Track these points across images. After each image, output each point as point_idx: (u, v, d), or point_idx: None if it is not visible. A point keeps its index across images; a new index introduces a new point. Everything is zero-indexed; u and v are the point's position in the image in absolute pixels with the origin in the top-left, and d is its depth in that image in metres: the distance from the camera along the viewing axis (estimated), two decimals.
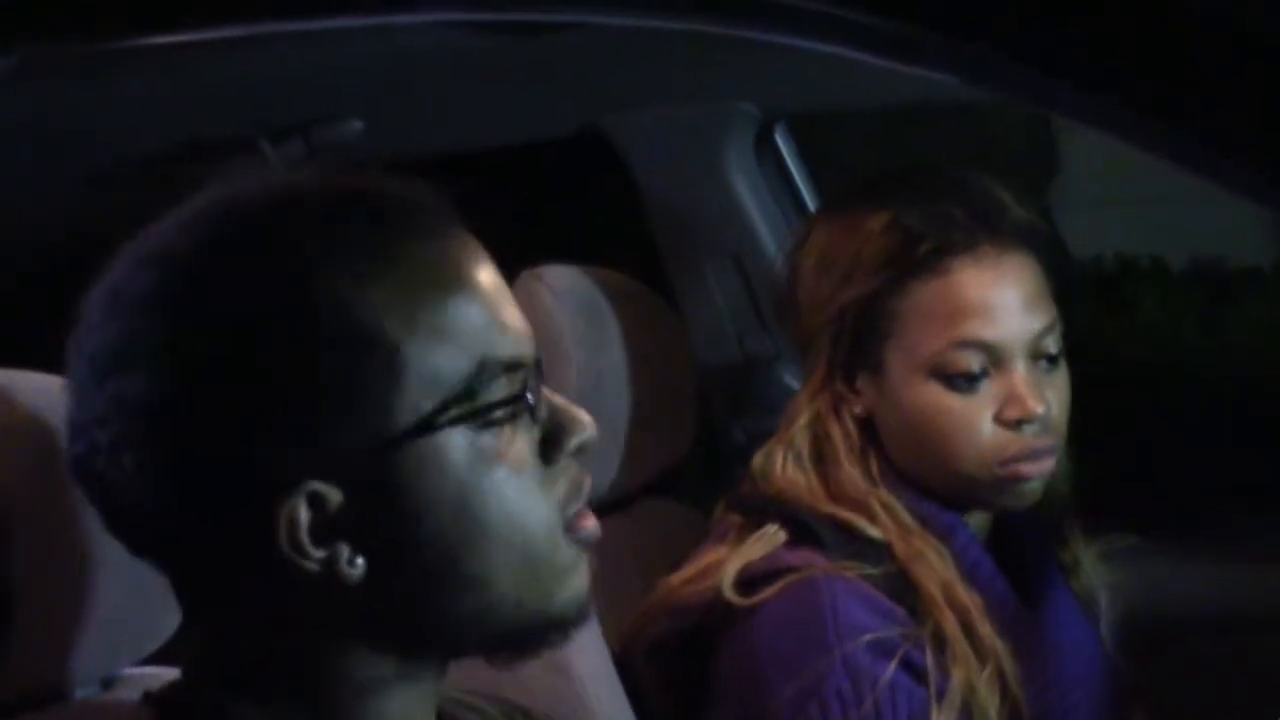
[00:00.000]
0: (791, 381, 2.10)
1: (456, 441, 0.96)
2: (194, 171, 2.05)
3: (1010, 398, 1.53)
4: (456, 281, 0.97)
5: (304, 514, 0.93)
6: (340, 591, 0.95)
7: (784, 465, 1.57)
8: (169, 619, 1.18)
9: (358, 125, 2.06)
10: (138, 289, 0.96)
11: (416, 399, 0.94)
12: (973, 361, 1.52)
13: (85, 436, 0.96)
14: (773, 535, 1.54)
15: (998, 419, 1.53)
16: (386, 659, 0.99)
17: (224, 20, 1.08)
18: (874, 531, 1.52)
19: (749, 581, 1.51)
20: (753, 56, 1.88)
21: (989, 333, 1.52)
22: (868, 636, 1.45)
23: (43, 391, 1.13)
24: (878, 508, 1.54)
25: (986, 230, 1.54)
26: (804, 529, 1.53)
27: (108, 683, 1.19)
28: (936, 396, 1.53)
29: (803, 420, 1.58)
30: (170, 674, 1.21)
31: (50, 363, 1.19)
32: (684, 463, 1.91)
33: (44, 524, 1.10)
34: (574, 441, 1.01)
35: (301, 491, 0.93)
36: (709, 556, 1.56)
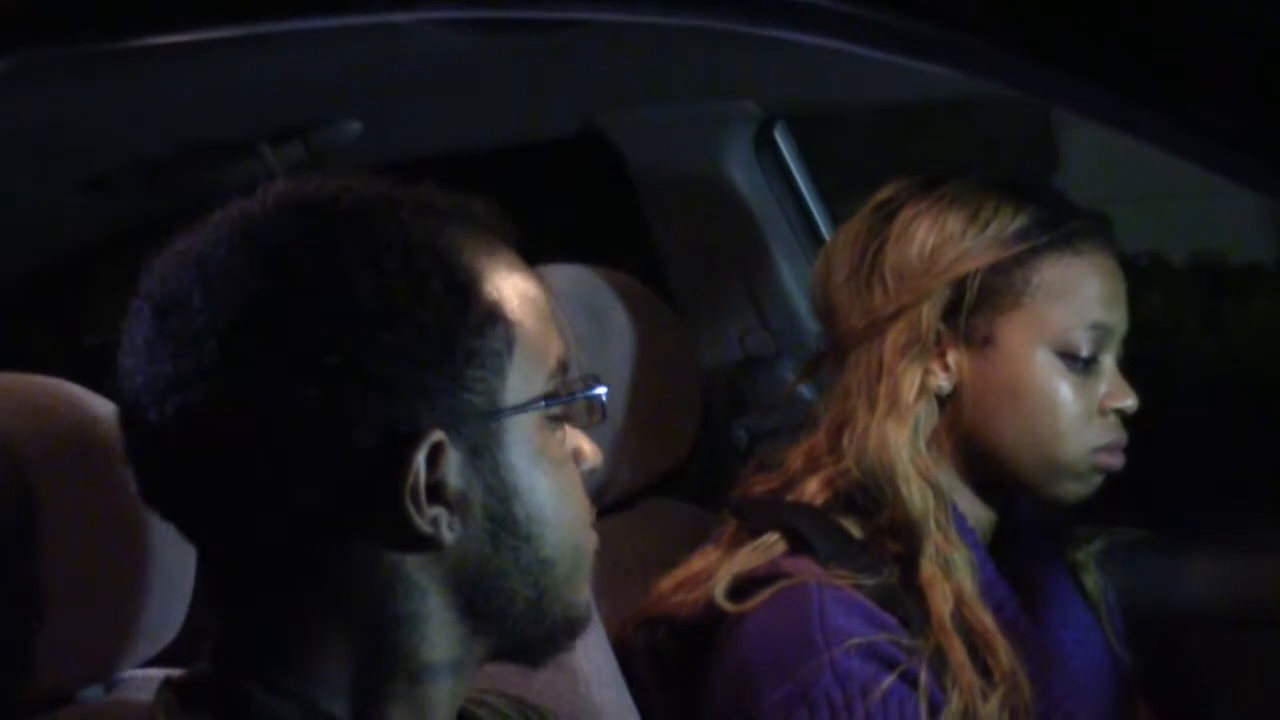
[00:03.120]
0: (792, 379, 2.10)
1: (543, 427, 1.02)
2: (193, 174, 2.07)
3: (1113, 386, 1.55)
4: (530, 289, 1.04)
5: (424, 469, 0.96)
6: (427, 561, 0.99)
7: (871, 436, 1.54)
8: (173, 620, 1.18)
9: (356, 127, 2.06)
10: (265, 252, 0.97)
11: (521, 378, 1.01)
12: (1093, 344, 1.54)
13: (181, 394, 0.95)
14: (771, 545, 1.53)
15: (1098, 405, 1.55)
16: (448, 642, 1.01)
17: (222, 21, 1.08)
18: (911, 507, 1.51)
19: (741, 588, 1.51)
20: (752, 54, 1.87)
21: (1110, 318, 1.55)
22: (855, 640, 1.45)
23: (32, 394, 1.13)
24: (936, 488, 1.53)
25: (1100, 223, 1.57)
26: (802, 540, 1.52)
27: (112, 685, 1.19)
28: (1055, 373, 1.54)
29: (903, 391, 1.54)
30: (175, 674, 1.21)
31: (46, 361, 1.19)
32: (686, 462, 1.91)
33: (40, 527, 1.09)
34: (586, 466, 1.08)
35: (428, 442, 0.96)
36: (699, 562, 1.56)
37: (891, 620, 1.49)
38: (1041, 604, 1.64)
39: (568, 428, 1.06)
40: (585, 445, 1.08)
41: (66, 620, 1.11)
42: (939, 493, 1.53)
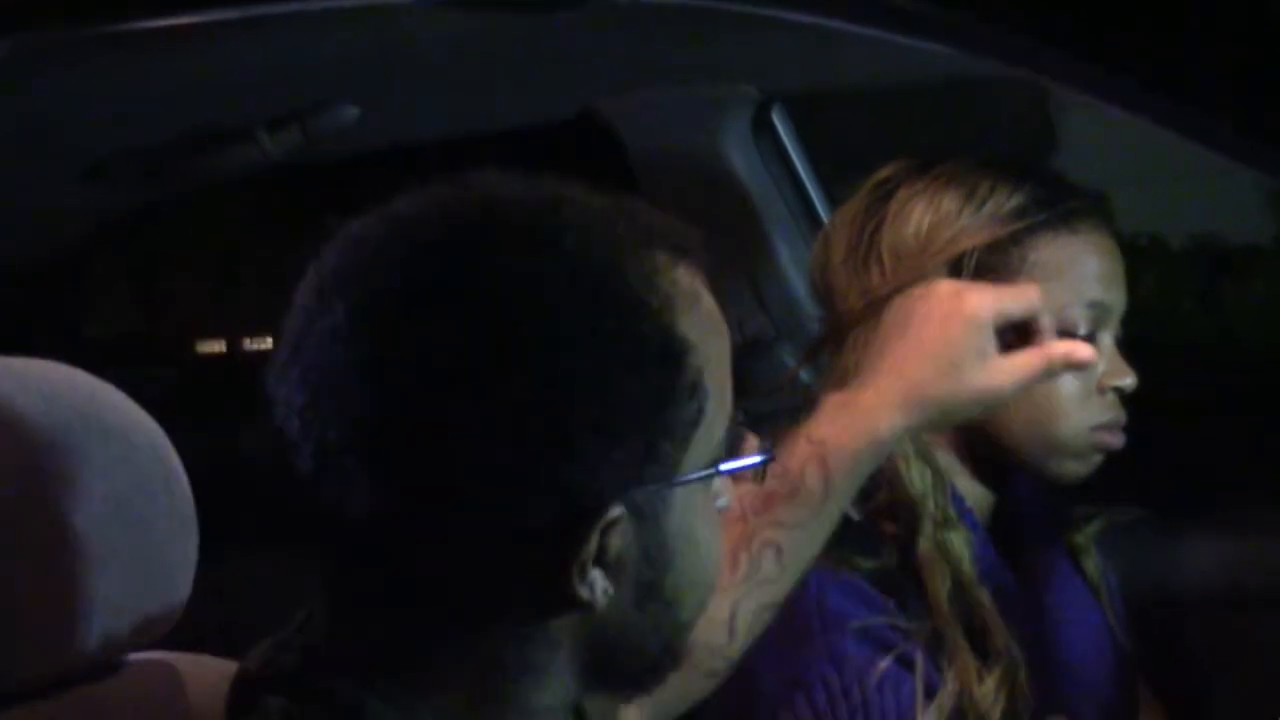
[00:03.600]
0: (792, 363, 2.09)
1: (707, 490, 0.99)
2: (190, 162, 2.06)
3: (1111, 364, 1.55)
4: (723, 328, 1.01)
5: (596, 539, 0.93)
6: (571, 620, 0.96)
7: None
8: (175, 604, 1.18)
9: (354, 112, 2.05)
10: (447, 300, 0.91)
11: (703, 443, 0.96)
12: (1090, 321, 1.54)
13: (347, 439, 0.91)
14: None
15: (1096, 384, 1.55)
16: (565, 689, 0.99)
17: (219, 3, 1.08)
18: (914, 488, 1.51)
19: None
20: (749, 37, 1.87)
21: (1108, 297, 1.55)
22: (852, 624, 1.45)
23: (43, 379, 1.13)
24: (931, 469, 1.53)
25: (1097, 202, 1.57)
26: None
27: (115, 668, 1.19)
28: None
29: None
30: (180, 659, 1.21)
31: (45, 351, 1.19)
32: None
33: (44, 510, 1.09)
34: (721, 503, 1.04)
35: (607, 517, 0.92)
36: None
37: (889, 603, 1.49)
38: (1041, 586, 1.64)
39: None
40: (721, 484, 1.04)
41: (68, 603, 1.11)
42: (937, 473, 1.53)
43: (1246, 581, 1.95)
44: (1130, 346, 1.60)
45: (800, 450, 1.37)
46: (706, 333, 0.97)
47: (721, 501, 1.03)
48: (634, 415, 0.92)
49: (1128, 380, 1.56)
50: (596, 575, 0.94)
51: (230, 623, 1.46)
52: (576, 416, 0.90)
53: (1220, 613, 1.94)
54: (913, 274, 1.54)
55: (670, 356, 0.93)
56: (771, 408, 1.91)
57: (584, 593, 0.94)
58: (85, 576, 1.12)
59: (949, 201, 1.56)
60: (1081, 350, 1.45)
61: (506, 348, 0.90)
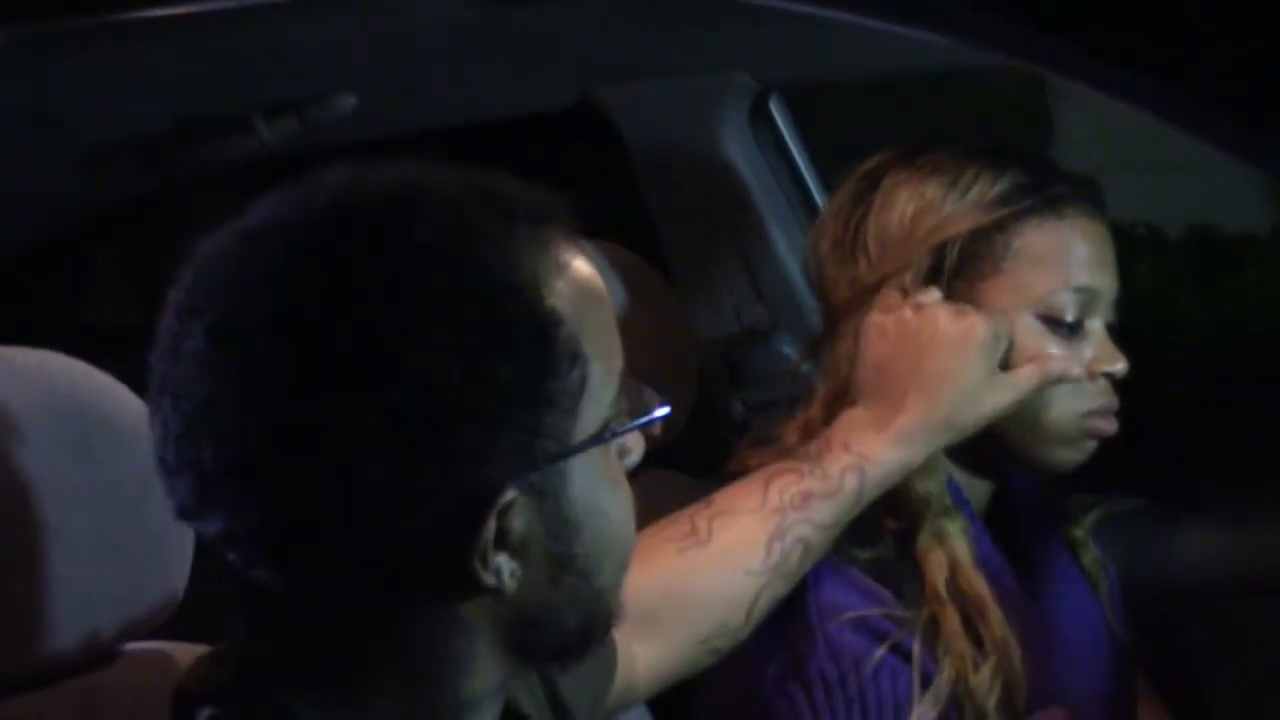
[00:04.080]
0: (789, 352, 2.10)
1: (606, 453, 0.99)
2: (188, 150, 2.06)
3: (1100, 350, 1.54)
4: (599, 290, 0.99)
5: (493, 524, 0.93)
6: (485, 604, 0.95)
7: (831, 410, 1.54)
8: (173, 594, 1.19)
9: (351, 100, 2.05)
10: (328, 298, 0.90)
11: (591, 408, 0.96)
12: (1078, 307, 1.53)
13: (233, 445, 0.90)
14: None
15: (1088, 370, 1.54)
16: (496, 673, 0.99)
17: None
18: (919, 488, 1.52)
19: None
20: (747, 26, 1.87)
21: (1096, 282, 1.54)
22: (849, 615, 1.45)
23: (37, 369, 1.13)
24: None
25: (1087, 188, 1.56)
26: None
27: (111, 659, 1.19)
28: (1040, 338, 1.53)
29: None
30: (177, 649, 1.21)
31: (43, 341, 1.19)
32: (682, 434, 1.91)
33: (41, 500, 1.09)
34: (631, 460, 1.05)
35: (502, 501, 0.92)
36: None
37: (887, 594, 1.49)
38: (1039, 579, 1.64)
39: None
40: (629, 439, 1.04)
41: (65, 593, 1.11)
42: (935, 464, 1.53)
43: (1245, 571, 1.95)
44: (1127, 335, 1.60)
45: (842, 459, 1.46)
46: (580, 299, 0.96)
47: (631, 459, 1.04)
48: (513, 397, 0.91)
49: (1119, 365, 1.56)
50: (501, 559, 0.94)
51: (224, 613, 1.47)
52: (452, 409, 0.89)
53: (1219, 603, 1.94)
54: (897, 263, 1.54)
55: (540, 332, 0.92)
56: (769, 397, 1.92)
57: (490, 579, 0.93)
58: (82, 566, 1.12)
59: (933, 189, 1.55)
60: (1074, 369, 1.51)
61: (370, 352, 0.89)
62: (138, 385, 1.20)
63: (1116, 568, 1.76)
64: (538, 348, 0.92)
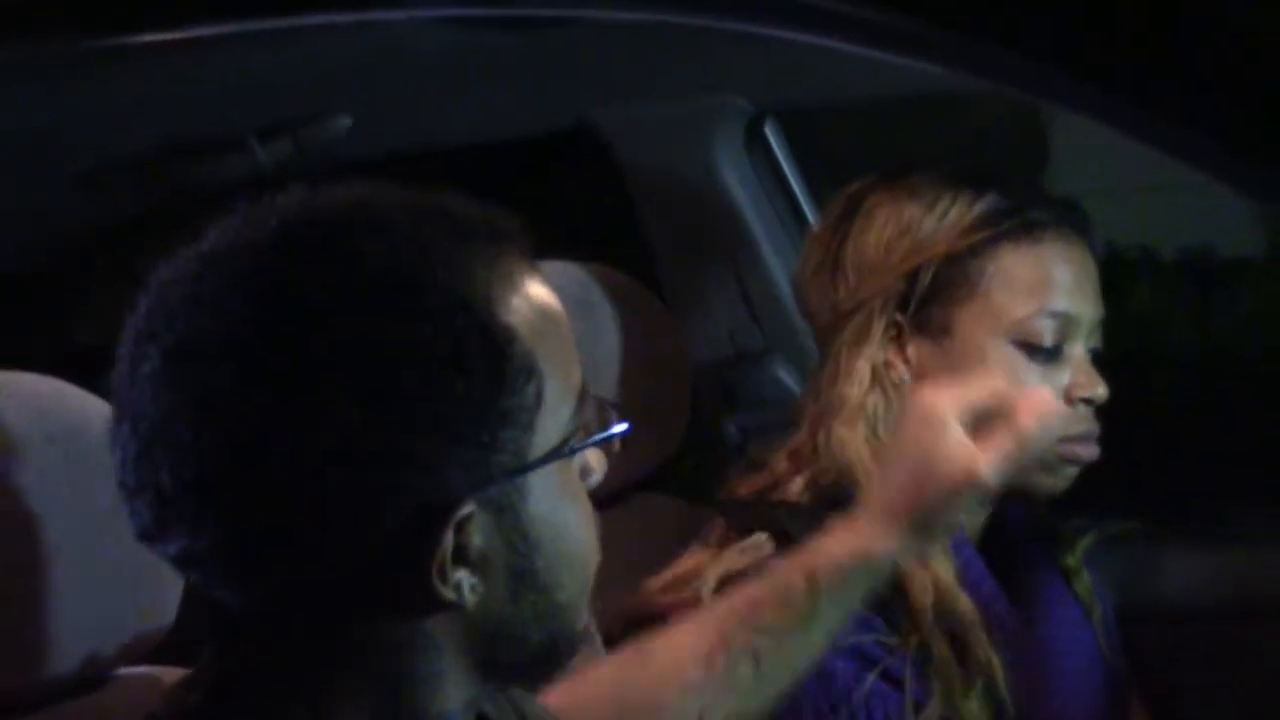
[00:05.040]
0: (783, 376, 2.10)
1: (563, 464, 0.98)
2: (182, 170, 2.06)
3: (1079, 376, 1.53)
4: (555, 309, 1.00)
5: (450, 538, 0.93)
6: (447, 619, 0.96)
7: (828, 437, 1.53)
8: (161, 621, 1.18)
9: (346, 122, 2.06)
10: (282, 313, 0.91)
11: (549, 423, 0.96)
12: (1055, 333, 1.53)
13: (189, 462, 0.91)
14: (759, 546, 1.53)
15: (1064, 396, 1.53)
16: (461, 691, 0.99)
17: (213, 17, 1.08)
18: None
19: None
20: (742, 50, 1.87)
21: (1074, 307, 1.53)
22: (839, 642, 1.44)
23: (29, 392, 1.13)
24: None
25: (1068, 212, 1.55)
26: (789, 540, 1.52)
27: (102, 683, 1.19)
28: (1014, 363, 1.53)
29: (850, 388, 1.53)
30: (169, 673, 1.21)
31: (37, 359, 1.19)
32: (676, 457, 1.91)
33: (32, 524, 1.09)
34: (593, 480, 1.05)
35: (458, 515, 0.93)
36: (688, 562, 1.56)
37: (877, 620, 1.48)
38: (1033, 606, 1.64)
39: None
40: (591, 459, 1.04)
41: (59, 618, 1.11)
42: None
43: (1238, 594, 1.95)
44: (1121, 358, 1.60)
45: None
46: (535, 316, 0.96)
47: (593, 479, 1.04)
48: (467, 413, 0.92)
49: (1098, 391, 1.55)
50: (462, 575, 0.94)
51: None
52: (407, 426, 0.90)
53: (1212, 626, 1.94)
54: (875, 287, 1.54)
55: (494, 349, 0.93)
56: (763, 420, 1.92)
57: (449, 594, 0.94)
58: (75, 591, 1.11)
59: (909, 213, 1.55)
60: (1049, 413, 1.34)
61: (323, 373, 0.90)
62: None
63: (1111, 590, 1.75)
64: (492, 364, 0.93)
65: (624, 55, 1.95)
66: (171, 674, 1.22)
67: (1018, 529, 1.66)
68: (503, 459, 0.94)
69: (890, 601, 1.49)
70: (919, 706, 1.45)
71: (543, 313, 0.98)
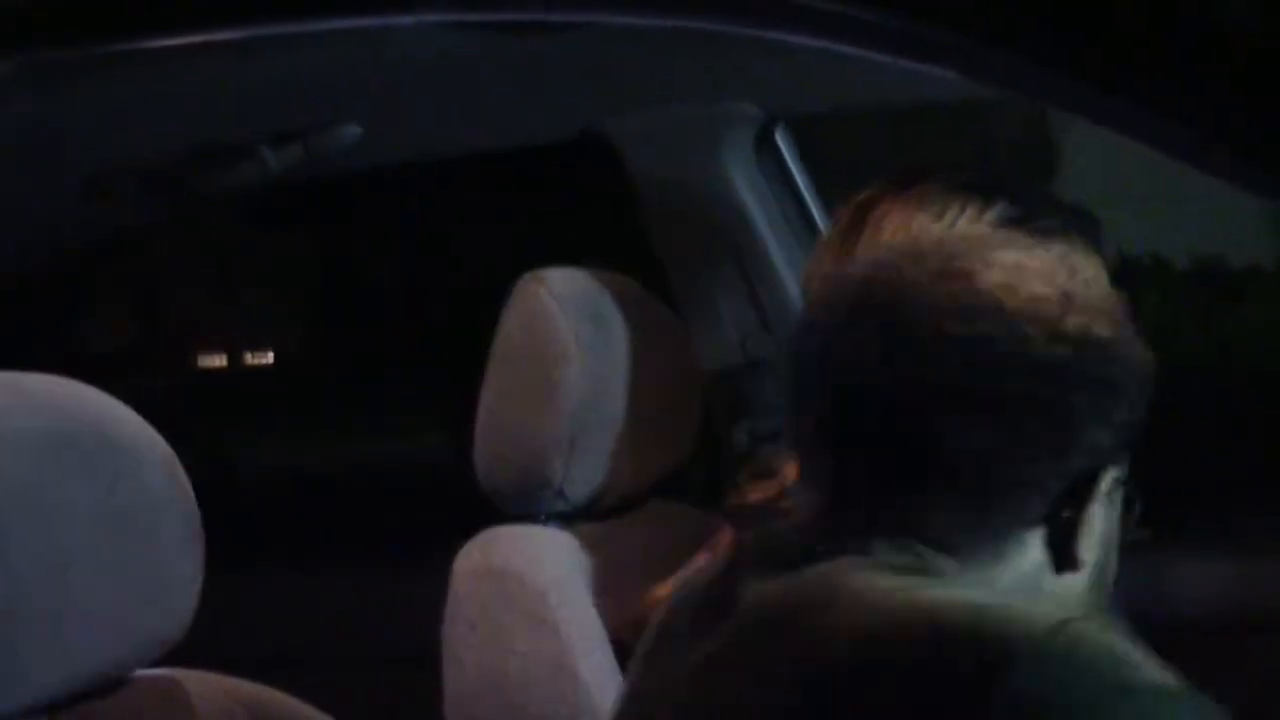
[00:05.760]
0: None
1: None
2: (193, 178, 2.07)
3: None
4: None
5: (1102, 506, 1.13)
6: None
7: None
8: (181, 620, 1.18)
9: (356, 130, 2.06)
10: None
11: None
12: None
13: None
14: None
15: None
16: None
17: (222, 23, 1.08)
18: None
19: None
20: (752, 57, 1.87)
21: None
22: None
23: (46, 394, 1.13)
24: None
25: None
26: None
27: (120, 685, 1.19)
28: None
29: None
30: (186, 675, 1.21)
31: (46, 365, 1.19)
32: (688, 464, 1.91)
33: (49, 525, 1.09)
34: None
35: (1108, 477, 1.13)
36: (696, 569, 1.56)
37: None
38: None
39: None
40: None
41: (74, 619, 1.11)
42: None
43: (1247, 603, 1.94)
44: None
45: None
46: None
47: None
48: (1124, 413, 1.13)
49: None
50: (1095, 545, 1.15)
51: (227, 637, 1.46)
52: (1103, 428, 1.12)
53: (1220, 635, 1.94)
54: None
55: (1134, 358, 1.14)
56: (774, 427, 1.91)
57: (1085, 554, 1.15)
58: (91, 592, 1.11)
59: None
60: None
61: (1071, 397, 1.11)
62: (139, 408, 1.20)
63: (1117, 602, 1.75)
64: (1140, 371, 1.15)
65: (634, 62, 1.95)
66: (188, 676, 1.22)
67: None
68: (1122, 434, 1.14)
69: None
70: None
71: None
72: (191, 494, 1.19)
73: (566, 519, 1.71)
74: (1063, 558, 1.14)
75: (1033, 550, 1.13)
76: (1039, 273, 1.11)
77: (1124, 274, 1.60)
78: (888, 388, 1.09)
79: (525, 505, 1.70)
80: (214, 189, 2.09)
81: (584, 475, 1.70)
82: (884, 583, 1.05)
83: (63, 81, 1.73)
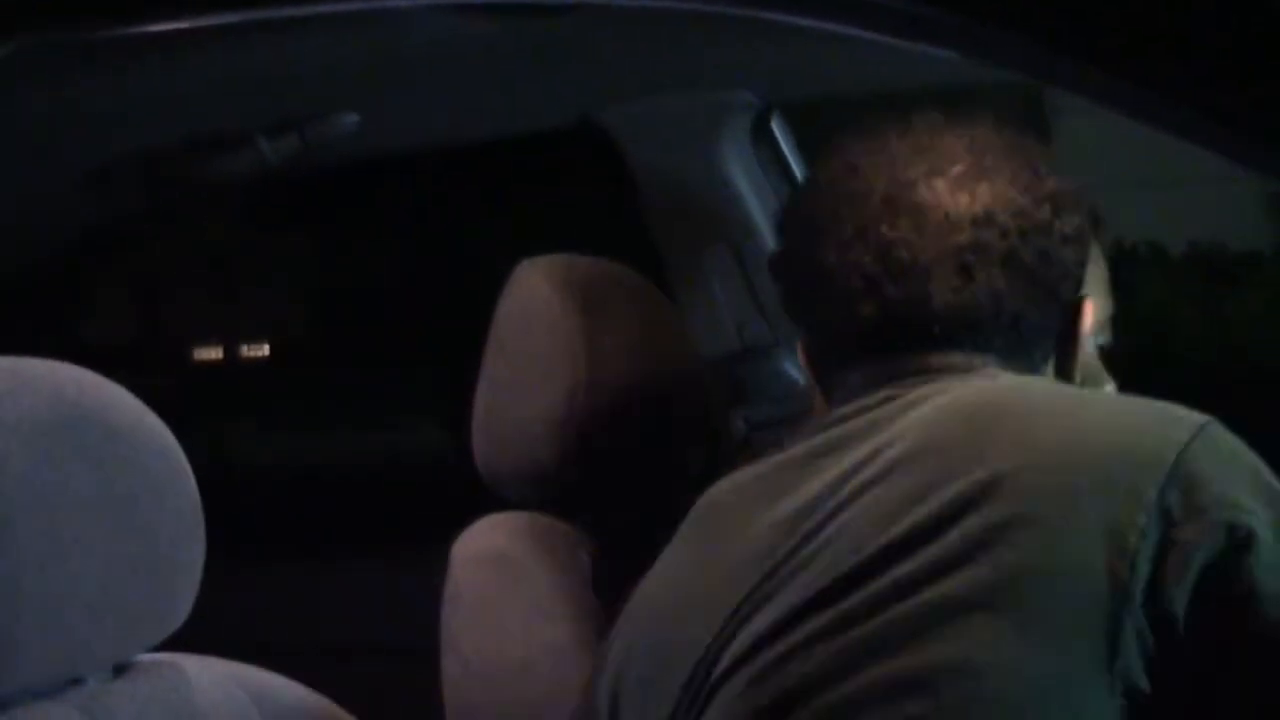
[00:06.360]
0: (791, 369, 2.09)
1: None
2: (189, 166, 2.06)
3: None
4: None
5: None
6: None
7: None
8: (182, 605, 1.18)
9: (353, 119, 2.06)
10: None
11: None
12: None
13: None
14: None
15: None
16: None
17: (220, 7, 1.08)
18: None
19: None
20: (748, 43, 1.87)
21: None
22: None
23: (47, 379, 1.13)
24: None
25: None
26: None
27: (121, 669, 1.19)
28: None
29: None
30: (187, 660, 1.21)
31: (51, 352, 1.19)
32: (687, 452, 1.90)
33: (51, 511, 1.09)
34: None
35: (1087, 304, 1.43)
36: None
37: None
38: None
39: None
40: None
41: (76, 604, 1.11)
42: None
43: None
44: (1130, 353, 1.59)
45: None
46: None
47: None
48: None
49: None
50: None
51: (227, 624, 1.47)
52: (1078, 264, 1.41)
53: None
54: None
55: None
56: (771, 414, 1.91)
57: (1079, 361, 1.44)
58: (93, 577, 1.11)
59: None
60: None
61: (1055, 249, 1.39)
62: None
63: None
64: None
65: (630, 50, 1.95)
66: (189, 660, 1.22)
67: None
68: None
69: None
70: None
71: None
72: (192, 479, 1.19)
73: (565, 506, 1.71)
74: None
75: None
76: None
77: (1122, 259, 1.60)
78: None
79: (523, 492, 1.70)
80: (211, 179, 2.09)
81: (582, 462, 1.70)
82: (1036, 384, 1.36)
83: (59, 71, 1.72)
